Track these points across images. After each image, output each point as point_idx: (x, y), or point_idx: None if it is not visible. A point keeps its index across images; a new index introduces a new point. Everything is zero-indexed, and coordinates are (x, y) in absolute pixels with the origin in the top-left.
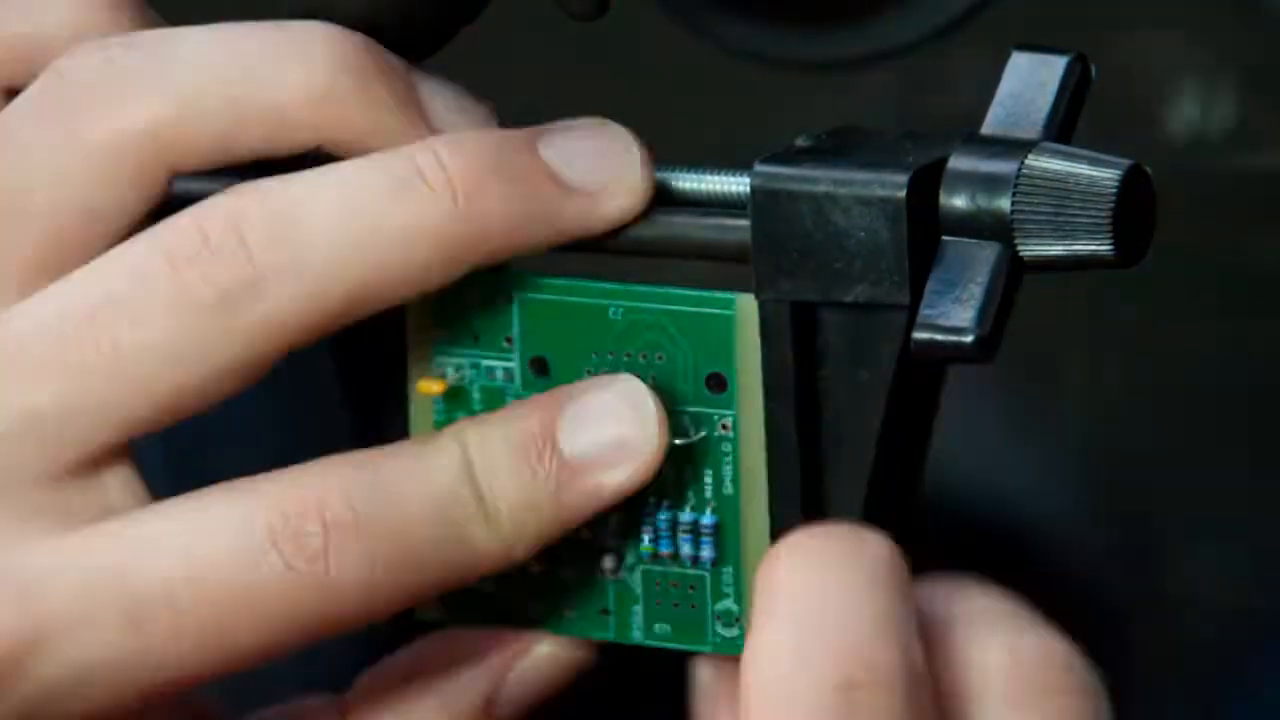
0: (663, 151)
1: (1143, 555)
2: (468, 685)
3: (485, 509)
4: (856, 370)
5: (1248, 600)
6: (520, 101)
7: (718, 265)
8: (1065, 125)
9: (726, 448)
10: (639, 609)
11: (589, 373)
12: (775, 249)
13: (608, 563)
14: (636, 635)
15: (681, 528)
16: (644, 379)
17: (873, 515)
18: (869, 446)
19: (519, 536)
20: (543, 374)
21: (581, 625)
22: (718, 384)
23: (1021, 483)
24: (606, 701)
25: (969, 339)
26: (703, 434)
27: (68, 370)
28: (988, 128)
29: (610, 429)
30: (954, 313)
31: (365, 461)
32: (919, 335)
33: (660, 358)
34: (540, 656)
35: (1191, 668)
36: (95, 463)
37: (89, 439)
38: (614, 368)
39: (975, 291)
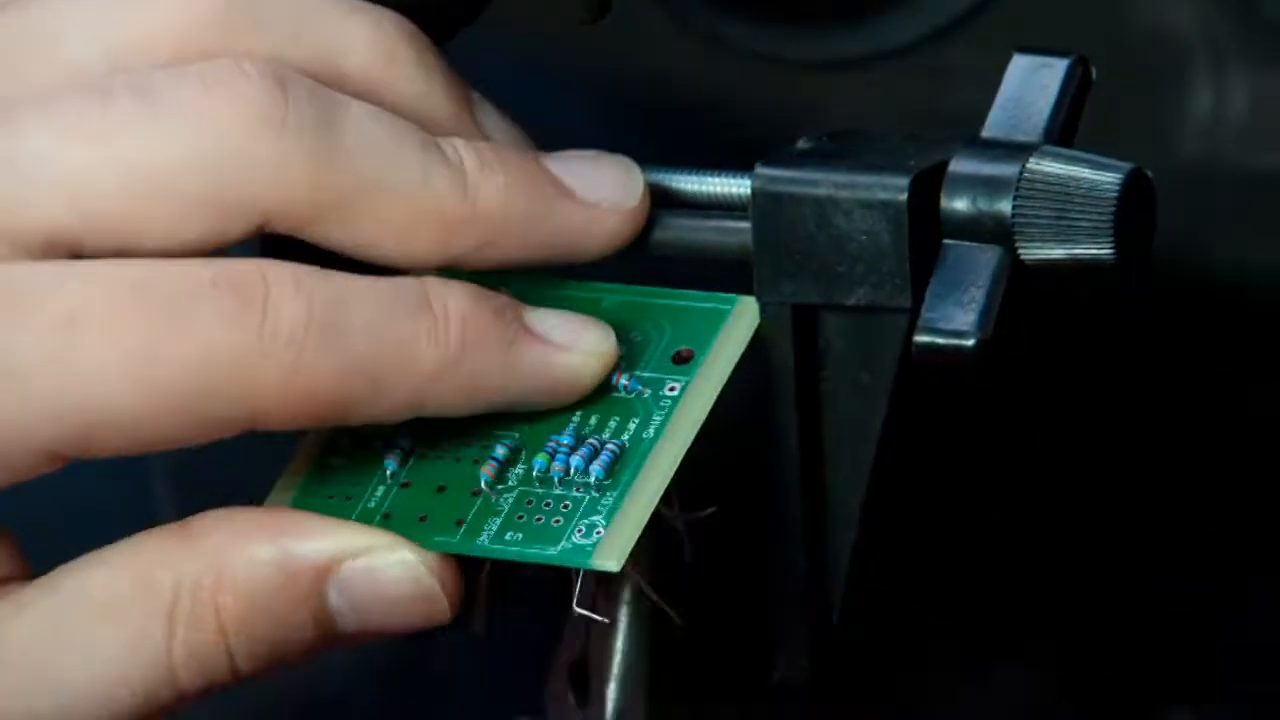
0: (663, 153)
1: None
2: (312, 546)
3: (435, 317)
4: (858, 372)
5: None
6: (520, 102)
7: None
8: (1067, 128)
9: (665, 404)
10: (497, 521)
11: None
12: (776, 251)
13: (484, 479)
14: (482, 541)
15: (585, 442)
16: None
17: (872, 517)
18: (870, 448)
19: (463, 362)
20: None
21: (428, 533)
22: (681, 359)
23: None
24: None
25: (970, 342)
26: (645, 394)
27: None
28: (989, 130)
29: (573, 324)
30: (955, 316)
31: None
32: (920, 339)
33: (637, 337)
34: (390, 562)
35: None
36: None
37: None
38: None
39: (976, 295)
